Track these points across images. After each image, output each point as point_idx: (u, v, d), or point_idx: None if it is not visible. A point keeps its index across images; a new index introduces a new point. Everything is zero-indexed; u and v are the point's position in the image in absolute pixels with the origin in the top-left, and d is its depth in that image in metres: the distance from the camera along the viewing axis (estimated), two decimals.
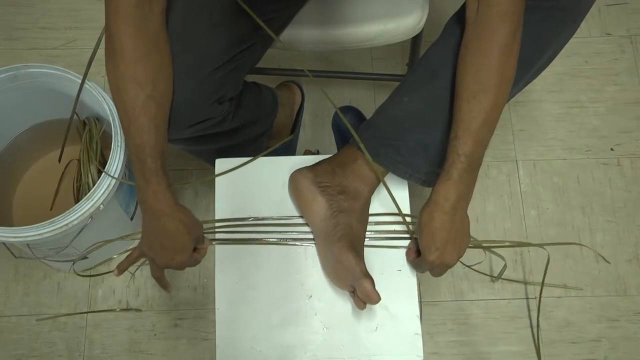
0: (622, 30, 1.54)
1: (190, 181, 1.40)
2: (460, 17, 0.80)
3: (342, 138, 1.23)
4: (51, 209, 1.27)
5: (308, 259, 0.88)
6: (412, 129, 0.84)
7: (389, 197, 0.88)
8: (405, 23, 1.02)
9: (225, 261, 0.88)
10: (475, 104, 0.74)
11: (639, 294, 1.32)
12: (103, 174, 1.02)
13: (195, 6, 0.85)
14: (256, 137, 1.08)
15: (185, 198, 1.38)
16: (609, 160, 1.43)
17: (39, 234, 0.99)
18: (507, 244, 1.08)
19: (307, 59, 1.51)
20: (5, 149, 1.26)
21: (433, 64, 0.84)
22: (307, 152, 1.34)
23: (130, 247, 0.86)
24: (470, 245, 0.83)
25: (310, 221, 0.87)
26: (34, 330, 1.28)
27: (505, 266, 1.16)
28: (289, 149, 1.28)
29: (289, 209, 0.90)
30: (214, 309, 0.86)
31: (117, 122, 1.03)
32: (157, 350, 1.27)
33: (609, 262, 1.33)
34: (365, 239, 0.87)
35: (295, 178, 0.88)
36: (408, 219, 0.88)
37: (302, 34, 1.03)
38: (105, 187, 1.02)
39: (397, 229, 0.89)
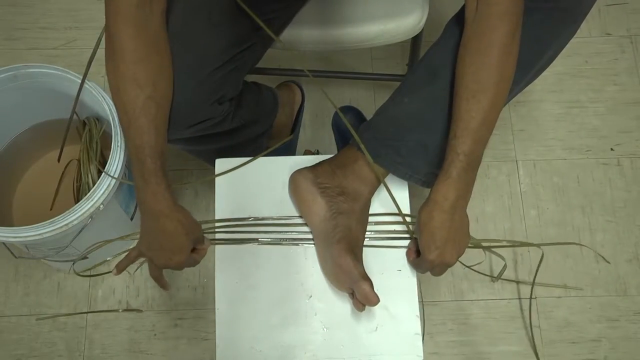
0: (622, 30, 1.54)
1: (190, 181, 1.40)
2: (460, 18, 0.80)
3: (342, 138, 1.23)
4: (51, 209, 1.27)
5: (308, 259, 0.88)
6: (412, 129, 0.84)
7: (389, 197, 0.87)
8: (405, 23, 1.02)
9: (225, 261, 0.88)
10: (474, 103, 0.74)
11: (639, 294, 1.32)
12: (103, 174, 1.02)
13: (195, 6, 0.85)
14: (256, 137, 1.08)
15: (185, 198, 1.38)
16: (609, 160, 1.42)
17: (39, 234, 0.99)
18: (507, 243, 1.08)
19: (307, 59, 1.51)
20: (5, 149, 1.26)
21: (433, 64, 0.84)
22: (307, 152, 1.34)
23: (130, 247, 0.86)
24: (469, 244, 0.83)
25: (310, 222, 0.87)
26: (34, 330, 1.28)
27: (505, 266, 1.16)
28: (289, 149, 1.28)
29: (289, 209, 0.90)
30: (214, 309, 0.86)
31: (117, 122, 1.03)
32: (157, 350, 1.27)
33: (609, 262, 1.33)
34: (365, 239, 0.87)
35: (295, 178, 0.88)
36: (408, 219, 0.88)
37: (302, 34, 1.03)
38: (105, 187, 1.02)
39: (397, 229, 0.89)
